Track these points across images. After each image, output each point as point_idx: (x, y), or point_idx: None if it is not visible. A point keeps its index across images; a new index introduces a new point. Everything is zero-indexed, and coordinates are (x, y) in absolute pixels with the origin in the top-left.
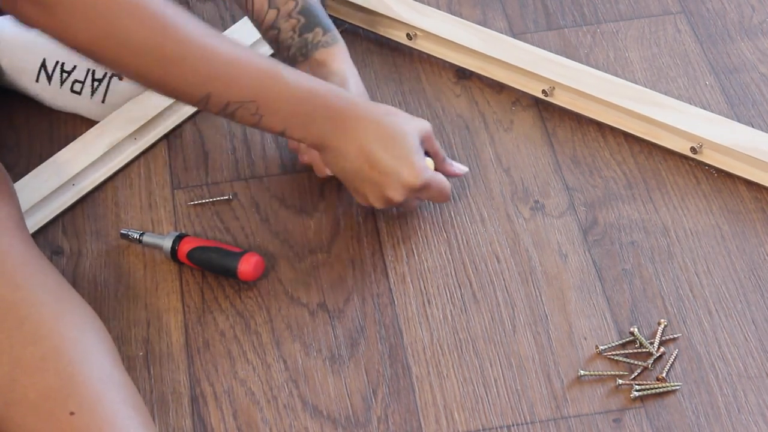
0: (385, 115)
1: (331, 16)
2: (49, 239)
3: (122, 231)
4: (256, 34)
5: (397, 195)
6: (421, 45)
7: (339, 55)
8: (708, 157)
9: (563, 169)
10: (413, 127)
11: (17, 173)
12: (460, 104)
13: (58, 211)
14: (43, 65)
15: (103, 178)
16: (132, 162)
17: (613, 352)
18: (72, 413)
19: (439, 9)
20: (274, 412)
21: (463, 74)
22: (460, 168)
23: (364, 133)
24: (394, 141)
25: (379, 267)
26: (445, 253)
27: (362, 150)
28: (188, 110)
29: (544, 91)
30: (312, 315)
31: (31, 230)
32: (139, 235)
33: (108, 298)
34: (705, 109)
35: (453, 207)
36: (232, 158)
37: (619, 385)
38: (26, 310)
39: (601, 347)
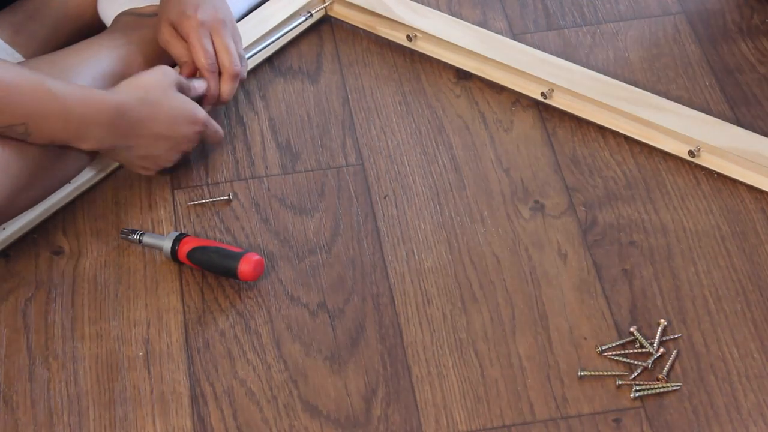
0: (146, 93)
1: (335, 18)
2: (49, 239)
3: (122, 231)
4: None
5: (192, 142)
6: (421, 46)
7: None
8: (706, 161)
9: (563, 169)
10: (166, 85)
11: None
12: (460, 104)
13: (56, 208)
14: None
15: (99, 177)
16: None
17: (613, 352)
18: None
19: (439, 9)
20: (274, 412)
21: (463, 75)
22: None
23: (150, 122)
24: (162, 105)
25: (379, 267)
26: (445, 253)
27: (150, 135)
28: None
29: (543, 94)
30: (312, 315)
31: (30, 227)
32: (139, 236)
33: (108, 298)
34: (705, 109)
35: (453, 207)
36: (232, 158)
37: (619, 385)
38: None
39: (601, 347)
